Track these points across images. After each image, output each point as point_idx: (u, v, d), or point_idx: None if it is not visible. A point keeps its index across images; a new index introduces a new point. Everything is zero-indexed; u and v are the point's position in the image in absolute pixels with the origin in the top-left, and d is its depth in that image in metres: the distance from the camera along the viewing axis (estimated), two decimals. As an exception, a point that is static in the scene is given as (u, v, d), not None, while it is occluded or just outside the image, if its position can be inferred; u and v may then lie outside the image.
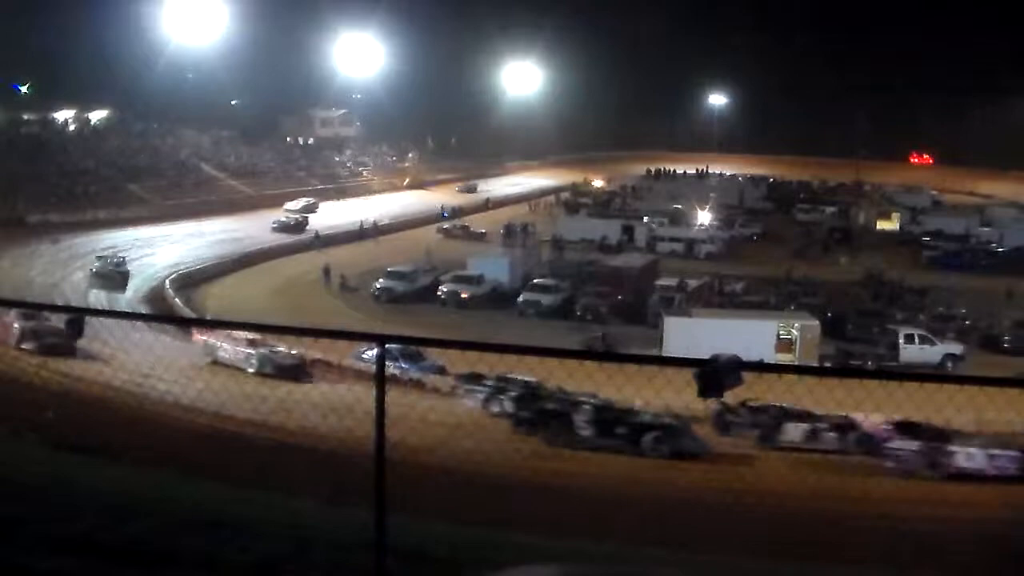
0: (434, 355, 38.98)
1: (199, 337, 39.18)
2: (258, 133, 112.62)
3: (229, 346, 38.11)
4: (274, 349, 37.79)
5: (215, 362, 38.20)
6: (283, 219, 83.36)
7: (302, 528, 8.21)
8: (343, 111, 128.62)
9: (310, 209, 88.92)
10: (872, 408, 31.51)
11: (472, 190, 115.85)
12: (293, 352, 37.65)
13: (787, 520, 19.15)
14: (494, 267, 64.10)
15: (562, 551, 9.91)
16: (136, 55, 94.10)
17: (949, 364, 49.19)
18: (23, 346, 34.21)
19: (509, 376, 32.90)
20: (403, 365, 36.72)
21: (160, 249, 69.35)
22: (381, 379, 6.42)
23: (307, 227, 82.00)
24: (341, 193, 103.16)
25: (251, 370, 37.22)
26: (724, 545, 14.67)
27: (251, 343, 37.76)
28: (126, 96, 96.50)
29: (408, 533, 7.16)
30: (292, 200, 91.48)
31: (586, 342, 50.88)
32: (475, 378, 34.11)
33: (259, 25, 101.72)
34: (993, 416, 33.91)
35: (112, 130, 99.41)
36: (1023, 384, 9.66)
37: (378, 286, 61.07)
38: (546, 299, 58.93)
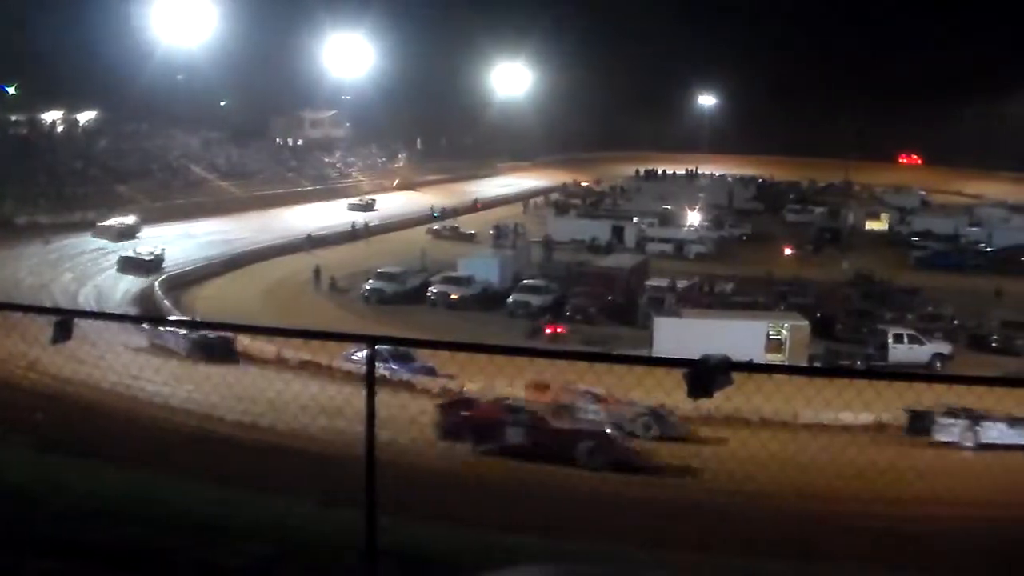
0: (424, 356, 39.03)
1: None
2: (248, 134, 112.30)
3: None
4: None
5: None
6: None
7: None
8: (333, 112, 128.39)
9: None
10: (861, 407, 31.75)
11: (368, 207, 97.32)
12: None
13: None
14: (484, 268, 64.12)
15: (559, 551, 9.91)
16: (125, 56, 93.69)
17: (937, 363, 49.42)
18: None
19: None
20: (393, 366, 36.72)
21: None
22: (371, 380, 6.42)
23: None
24: (331, 194, 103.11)
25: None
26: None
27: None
28: (115, 97, 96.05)
29: (399, 534, 7.15)
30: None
31: (528, 330, 52.85)
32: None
33: (249, 26, 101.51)
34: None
35: (101, 131, 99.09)
36: (1010, 383, 9.69)
37: (368, 287, 61.05)
38: (536, 300, 58.95)
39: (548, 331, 53.35)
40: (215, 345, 37.61)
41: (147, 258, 63.88)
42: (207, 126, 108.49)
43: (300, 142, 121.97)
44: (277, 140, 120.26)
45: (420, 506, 10.92)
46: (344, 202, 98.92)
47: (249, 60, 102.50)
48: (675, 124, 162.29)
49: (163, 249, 65.52)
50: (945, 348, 51.17)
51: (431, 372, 38.96)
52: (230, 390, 29.10)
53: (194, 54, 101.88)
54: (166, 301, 54.94)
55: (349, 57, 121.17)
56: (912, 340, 50.74)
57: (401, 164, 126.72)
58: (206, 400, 28.43)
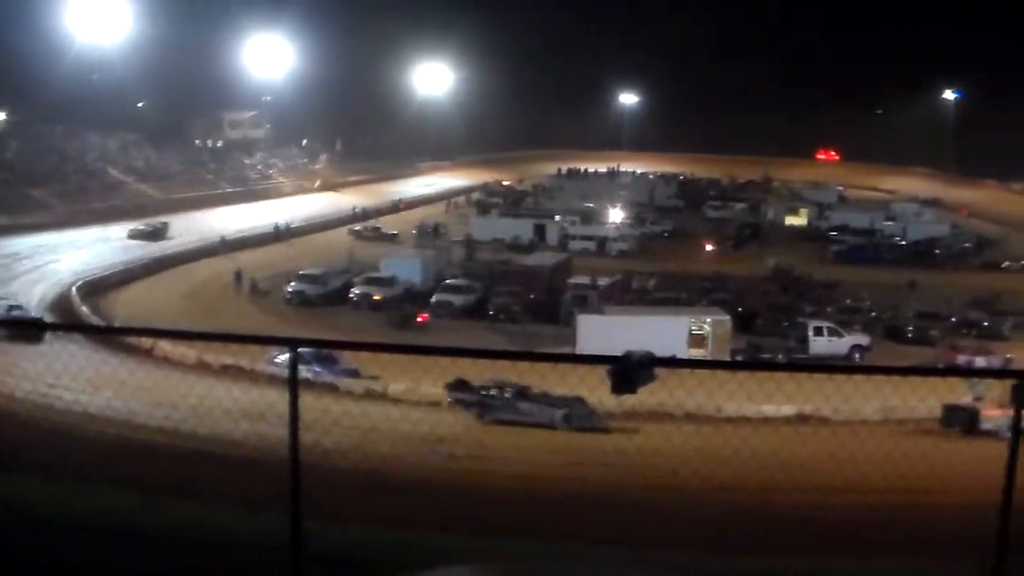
0: (347, 358, 38.85)
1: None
2: (166, 136, 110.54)
3: None
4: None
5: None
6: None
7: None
8: (253, 113, 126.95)
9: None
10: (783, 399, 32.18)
11: (157, 235, 78.26)
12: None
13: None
14: (406, 268, 63.94)
15: (483, 550, 9.90)
16: (37, 54, 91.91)
17: (856, 355, 50.36)
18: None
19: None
20: (316, 369, 36.49)
21: (66, 255, 67.82)
22: (294, 383, 6.37)
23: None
24: (251, 196, 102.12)
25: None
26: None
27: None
28: (27, 97, 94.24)
29: (327, 538, 7.11)
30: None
31: (391, 317, 54.10)
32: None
33: (166, 25, 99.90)
34: (897, 403, 34.78)
35: (11, 133, 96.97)
36: (925, 372, 9.89)
37: (290, 289, 60.58)
38: (459, 300, 58.94)
39: (420, 320, 54.99)
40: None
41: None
42: (124, 127, 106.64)
43: (220, 143, 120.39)
44: (196, 142, 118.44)
45: (348, 508, 10.85)
46: (265, 204, 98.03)
47: (167, 60, 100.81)
48: (597, 123, 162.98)
49: None
50: (863, 340, 52.13)
51: (355, 374, 38.82)
52: (150, 396, 28.77)
53: (109, 53, 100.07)
54: (83, 307, 54.05)
55: (269, 57, 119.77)
56: (832, 333, 51.57)
57: (322, 165, 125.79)
58: (125, 407, 28.05)
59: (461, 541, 10.55)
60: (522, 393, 34.29)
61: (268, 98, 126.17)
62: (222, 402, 25.69)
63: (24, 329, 29.31)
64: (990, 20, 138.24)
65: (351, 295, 59.79)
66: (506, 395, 34.45)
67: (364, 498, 16.67)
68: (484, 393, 34.58)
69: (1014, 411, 6.18)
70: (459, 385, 34.76)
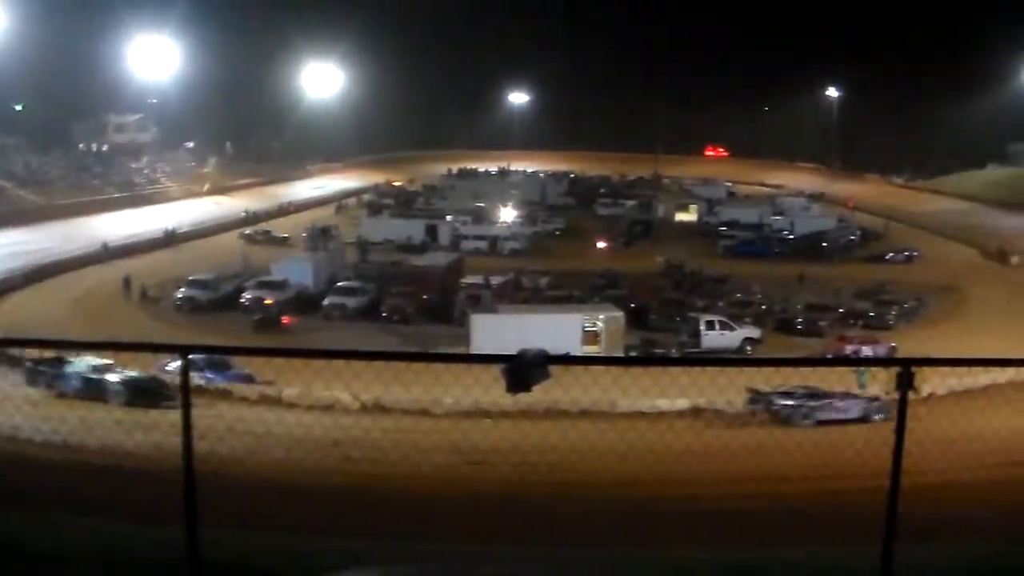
0: (241, 363, 38.37)
1: None
2: (48, 139, 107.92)
3: None
4: None
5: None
6: None
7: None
8: (139, 116, 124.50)
9: None
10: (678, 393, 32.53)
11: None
12: None
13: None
14: (298, 271, 63.41)
15: (382, 553, 9.85)
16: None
17: (748, 348, 51.08)
18: None
19: None
20: (209, 375, 35.97)
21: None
22: (186, 391, 6.28)
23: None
24: (139, 201, 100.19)
25: None
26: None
27: None
28: None
29: (224, 546, 7.01)
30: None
31: (255, 322, 53.59)
32: None
33: (45, 25, 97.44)
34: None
35: None
36: (815, 363, 10.05)
37: (180, 295, 59.67)
38: (352, 302, 58.60)
39: (285, 322, 54.52)
40: None
41: None
42: (2, 131, 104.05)
43: (105, 147, 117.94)
44: (80, 145, 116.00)
45: (245, 516, 10.72)
46: (154, 209, 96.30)
47: (47, 61, 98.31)
48: (487, 122, 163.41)
49: None
50: (755, 332, 52.95)
51: (249, 379, 38.34)
52: (37, 410, 28.12)
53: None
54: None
55: (155, 58, 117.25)
56: (723, 326, 52.28)
57: (211, 168, 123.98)
58: (8, 422, 27.34)
59: (359, 544, 10.48)
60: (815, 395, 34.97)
61: (155, 100, 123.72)
62: (113, 412, 25.25)
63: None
64: (873, 19, 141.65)
65: (242, 300, 59.02)
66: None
67: (261, 504, 16.49)
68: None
69: (899, 397, 6.33)
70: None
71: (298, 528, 12.50)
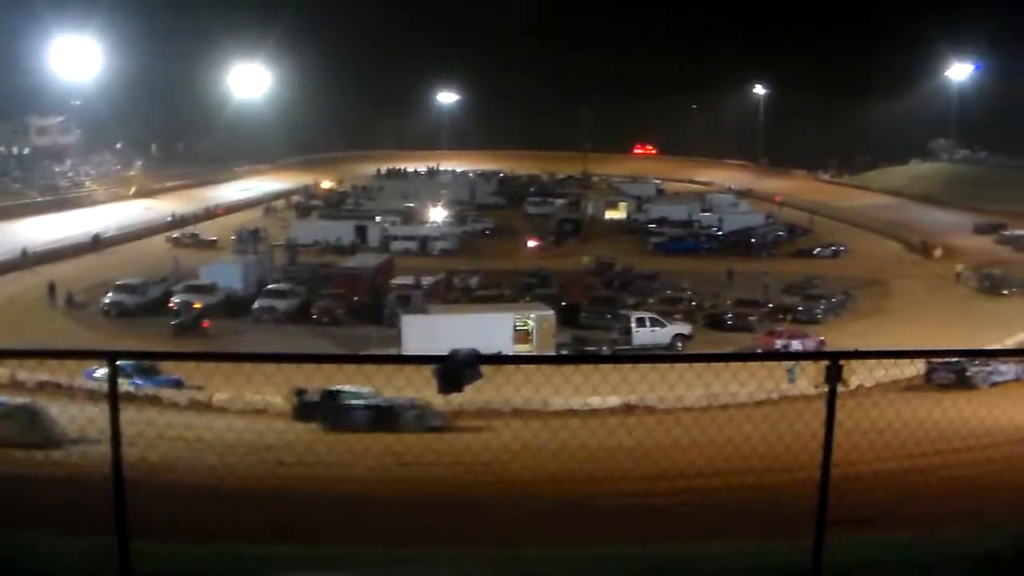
0: (170, 369, 38.00)
1: None
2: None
3: None
4: None
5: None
6: None
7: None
8: (62, 118, 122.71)
9: None
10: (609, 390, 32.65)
11: None
12: None
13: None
14: (227, 274, 62.78)
15: (315, 558, 9.78)
16: None
17: (679, 344, 51.49)
18: None
19: None
20: (137, 381, 35.58)
21: None
22: (114, 398, 6.17)
23: None
24: (63, 205, 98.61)
25: None
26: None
27: None
28: None
29: (157, 557, 6.91)
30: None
31: (174, 327, 53.13)
32: None
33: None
34: (719, 389, 35.68)
35: None
36: (745, 358, 10.07)
37: (107, 301, 58.81)
38: (282, 304, 58.18)
39: (204, 325, 54.01)
40: None
41: None
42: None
43: (27, 150, 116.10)
44: (0, 148, 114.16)
45: (177, 524, 10.60)
46: (78, 213, 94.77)
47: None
48: (416, 122, 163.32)
49: None
50: (685, 329, 53.32)
51: (178, 384, 37.97)
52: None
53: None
54: None
55: (77, 59, 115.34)
56: (654, 323, 52.55)
57: (137, 171, 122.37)
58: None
59: (293, 550, 10.41)
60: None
61: (78, 102, 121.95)
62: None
63: None
64: (799, 17, 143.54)
65: (171, 304, 58.25)
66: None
67: (194, 512, 16.31)
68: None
69: (828, 390, 6.41)
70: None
71: (232, 535, 12.38)
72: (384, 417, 33.40)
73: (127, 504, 6.09)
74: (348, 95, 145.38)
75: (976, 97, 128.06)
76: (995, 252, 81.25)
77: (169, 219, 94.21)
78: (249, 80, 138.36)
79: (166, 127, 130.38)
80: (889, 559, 7.96)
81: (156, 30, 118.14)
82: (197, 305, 57.28)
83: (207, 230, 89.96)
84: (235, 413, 34.65)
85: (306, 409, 34.57)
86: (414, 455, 28.54)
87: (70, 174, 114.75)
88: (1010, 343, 47.11)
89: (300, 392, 34.40)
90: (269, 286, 61.51)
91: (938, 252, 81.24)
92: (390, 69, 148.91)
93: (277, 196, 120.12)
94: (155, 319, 56.48)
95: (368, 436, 31.69)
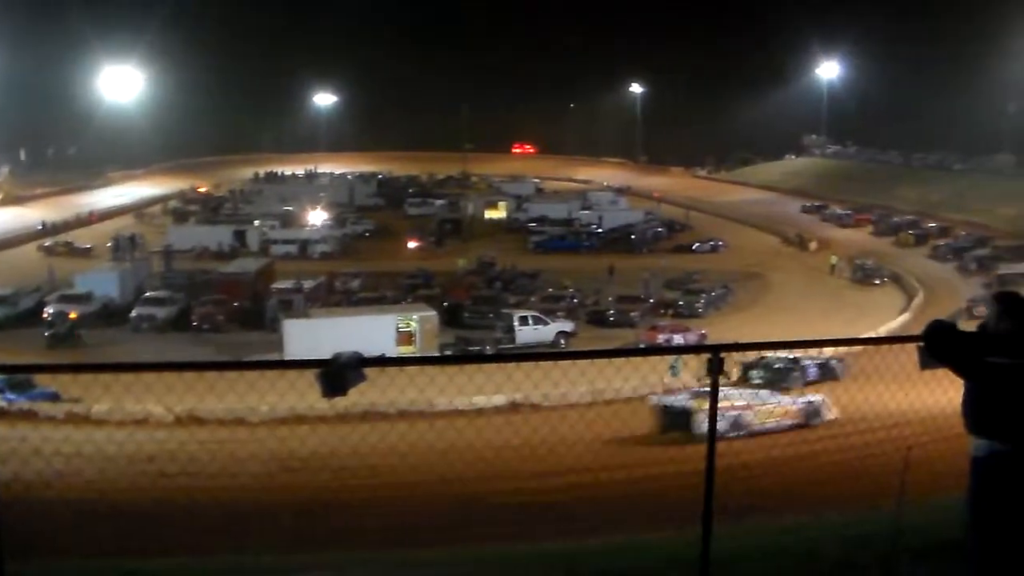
0: (45, 381, 37.03)
1: None
2: None
3: None
4: None
5: None
6: None
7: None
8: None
9: None
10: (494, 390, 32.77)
11: None
12: None
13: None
14: (103, 283, 61.52)
15: (202, 569, 9.65)
16: None
17: (562, 341, 51.86)
18: None
19: None
20: (10, 396, 34.62)
21: None
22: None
23: None
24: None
25: None
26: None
27: None
28: None
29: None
30: None
31: (48, 338, 51.93)
32: None
33: None
34: (603, 385, 35.99)
35: None
36: (628, 353, 10.20)
37: (-25, 313, 57.12)
38: (161, 312, 57.23)
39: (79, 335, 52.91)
40: None
41: None
42: None
43: None
44: None
45: (55, 543, 10.35)
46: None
47: None
48: (293, 125, 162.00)
49: None
50: (568, 326, 53.73)
51: (55, 397, 36.97)
52: None
53: None
54: None
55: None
56: (537, 321, 52.85)
57: (4, 178, 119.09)
58: None
59: (178, 562, 10.25)
60: None
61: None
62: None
63: None
64: (674, 16, 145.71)
65: (45, 314, 56.76)
66: None
67: (72, 529, 15.94)
68: None
69: (711, 383, 6.51)
70: None
71: (114, 551, 12.13)
72: None
73: (2, 525, 5.92)
74: (224, 97, 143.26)
75: (846, 94, 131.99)
76: (867, 243, 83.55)
77: (40, 227, 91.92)
78: (121, 82, 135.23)
79: (34, 132, 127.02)
80: (773, 544, 8.11)
81: (21, 30, 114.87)
82: (73, 315, 55.87)
83: (81, 238, 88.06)
84: (115, 424, 33.93)
85: None
86: (300, 460, 28.32)
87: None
88: (883, 331, 48.30)
89: None
90: (147, 294, 60.45)
91: (813, 245, 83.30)
92: (266, 71, 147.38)
93: (153, 201, 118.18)
94: (28, 331, 55.07)
95: (254, 441, 31.33)
